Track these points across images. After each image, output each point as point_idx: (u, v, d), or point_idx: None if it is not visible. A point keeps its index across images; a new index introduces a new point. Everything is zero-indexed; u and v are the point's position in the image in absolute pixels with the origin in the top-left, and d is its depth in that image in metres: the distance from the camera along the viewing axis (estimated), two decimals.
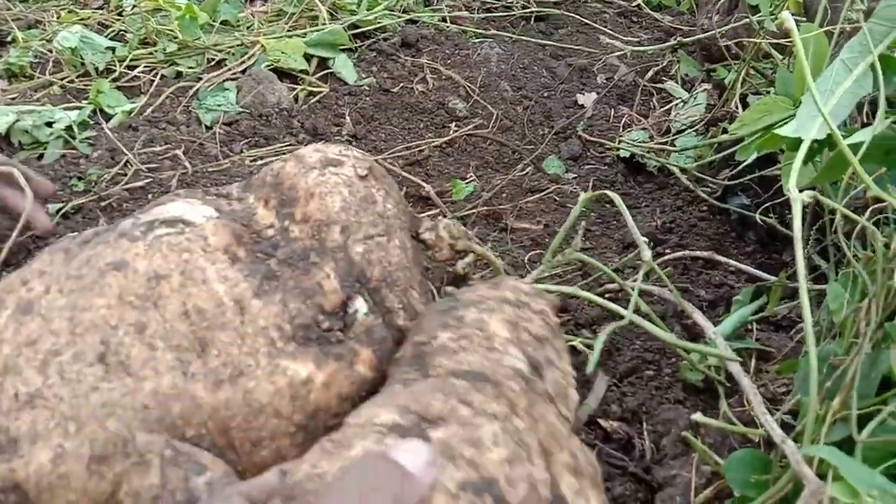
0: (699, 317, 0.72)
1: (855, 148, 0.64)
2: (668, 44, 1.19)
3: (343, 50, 1.40)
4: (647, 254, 0.71)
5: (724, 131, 1.17)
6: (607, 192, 0.78)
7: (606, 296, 0.90)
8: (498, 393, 0.43)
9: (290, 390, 0.46)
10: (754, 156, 0.89)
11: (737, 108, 1.16)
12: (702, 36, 1.14)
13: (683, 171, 1.11)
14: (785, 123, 0.88)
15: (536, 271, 0.79)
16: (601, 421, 0.72)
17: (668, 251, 0.97)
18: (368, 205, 0.56)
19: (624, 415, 0.72)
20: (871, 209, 0.61)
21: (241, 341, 0.47)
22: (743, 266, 0.88)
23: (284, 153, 1.11)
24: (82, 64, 1.26)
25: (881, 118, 0.62)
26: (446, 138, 1.26)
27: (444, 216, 1.02)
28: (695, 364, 0.75)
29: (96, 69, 1.26)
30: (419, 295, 0.58)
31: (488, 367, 0.45)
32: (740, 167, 0.93)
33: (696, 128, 1.26)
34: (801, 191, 0.92)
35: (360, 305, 0.53)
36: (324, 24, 1.42)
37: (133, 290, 0.47)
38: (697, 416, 0.60)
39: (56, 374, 0.44)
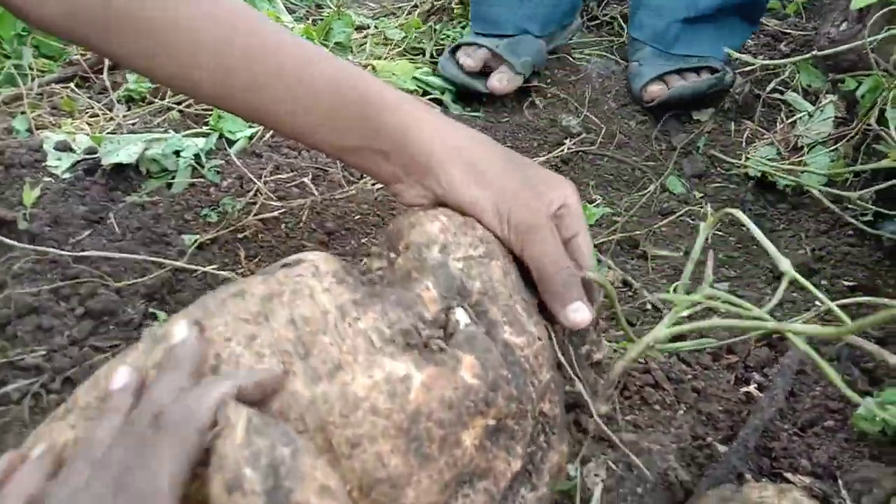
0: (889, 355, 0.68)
1: None
2: (801, 57, 1.14)
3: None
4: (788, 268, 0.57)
5: (859, 147, 1.12)
6: (733, 210, 0.65)
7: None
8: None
9: (387, 386, 0.47)
10: None
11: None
12: (842, 48, 1.09)
13: (837, 197, 1.04)
14: None
15: (670, 315, 0.64)
16: (789, 475, 0.69)
17: (823, 282, 0.93)
18: (468, 229, 0.58)
19: (815, 470, 0.69)
20: None
21: (341, 341, 0.49)
22: None
23: None
24: None
25: None
26: (558, 153, 1.24)
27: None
28: (875, 411, 0.70)
29: None
30: (525, 314, 0.57)
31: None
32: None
33: (825, 143, 1.21)
34: None
35: (461, 316, 0.53)
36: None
37: (248, 309, 0.50)
38: None
39: None
